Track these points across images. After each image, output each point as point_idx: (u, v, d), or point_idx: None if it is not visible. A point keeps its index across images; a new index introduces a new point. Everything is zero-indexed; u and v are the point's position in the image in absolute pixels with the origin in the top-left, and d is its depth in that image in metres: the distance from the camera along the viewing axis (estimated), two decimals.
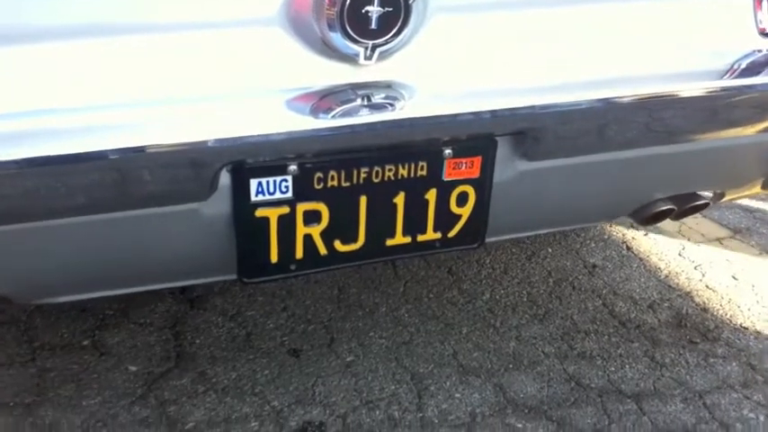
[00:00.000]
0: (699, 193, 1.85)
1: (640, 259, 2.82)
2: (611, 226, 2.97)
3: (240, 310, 2.44)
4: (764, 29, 1.67)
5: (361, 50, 1.38)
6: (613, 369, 2.29)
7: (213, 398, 2.10)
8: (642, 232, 2.96)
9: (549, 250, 2.83)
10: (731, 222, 3.09)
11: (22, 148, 1.23)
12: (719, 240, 2.98)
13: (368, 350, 2.31)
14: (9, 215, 1.30)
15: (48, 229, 1.35)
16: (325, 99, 1.42)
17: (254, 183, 1.43)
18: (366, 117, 1.41)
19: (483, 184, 1.57)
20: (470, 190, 1.58)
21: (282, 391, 2.14)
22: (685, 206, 1.84)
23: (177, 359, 2.24)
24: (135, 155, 1.28)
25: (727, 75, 1.62)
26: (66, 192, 1.29)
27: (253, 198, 1.44)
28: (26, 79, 1.28)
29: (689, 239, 2.96)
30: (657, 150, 1.64)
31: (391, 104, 1.44)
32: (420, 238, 1.61)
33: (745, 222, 3.10)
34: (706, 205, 1.87)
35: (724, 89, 1.59)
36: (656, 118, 1.58)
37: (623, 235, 2.95)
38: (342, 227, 1.54)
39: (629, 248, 2.88)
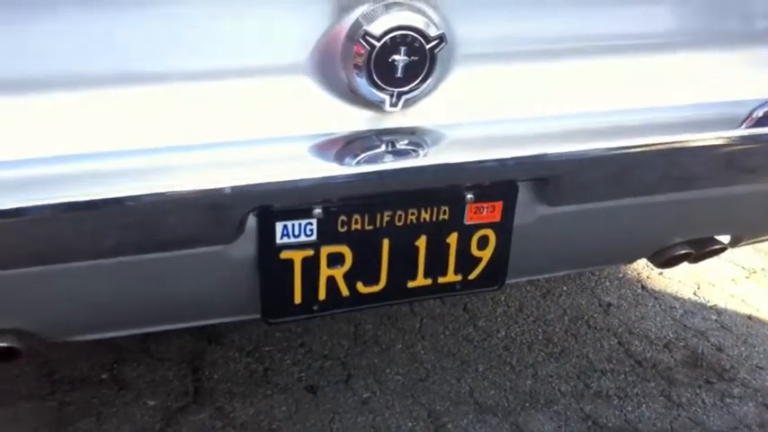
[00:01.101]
0: (716, 237, 1.86)
1: (655, 298, 2.83)
2: (625, 265, 2.97)
3: (257, 345, 2.46)
4: None
5: (386, 98, 1.41)
6: (630, 408, 2.30)
7: None
8: (657, 271, 2.96)
9: (564, 288, 2.84)
10: (746, 263, 3.10)
11: (57, 193, 1.26)
12: (734, 280, 2.99)
13: (384, 387, 2.32)
14: (42, 257, 1.33)
15: (76, 270, 1.37)
16: (350, 145, 1.44)
17: (279, 226, 1.45)
18: (390, 163, 1.43)
19: (503, 228, 1.59)
20: (491, 233, 1.59)
21: (300, 428, 2.15)
22: (703, 250, 1.85)
23: (195, 394, 2.25)
24: (167, 199, 1.30)
25: (745, 123, 1.63)
26: (95, 235, 1.31)
27: (278, 241, 1.46)
28: (63, 125, 1.30)
29: (704, 279, 2.97)
30: (676, 196, 1.66)
31: (415, 151, 1.47)
32: (441, 280, 1.62)
33: (761, 263, 3.11)
34: (723, 249, 1.89)
35: (741, 138, 1.61)
36: (675, 165, 1.60)
37: (638, 274, 2.96)
38: (364, 269, 1.55)
39: (643, 287, 2.89)
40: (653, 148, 1.54)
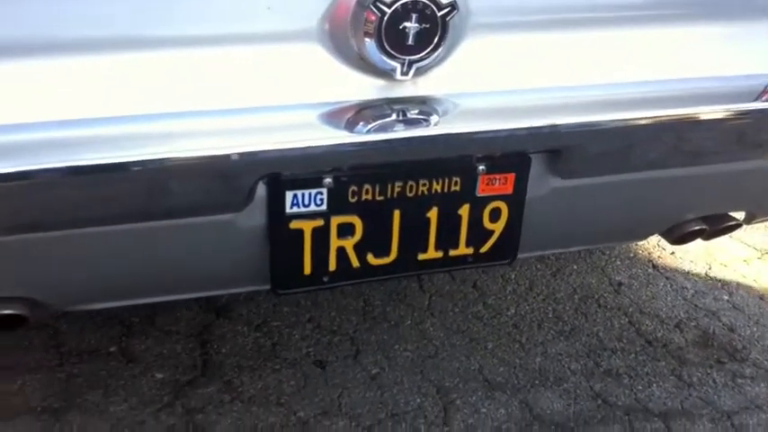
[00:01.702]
0: (731, 214, 1.84)
1: (666, 278, 2.81)
2: (636, 244, 2.95)
3: (266, 320, 2.45)
4: None
5: (397, 66, 1.39)
6: (640, 387, 2.28)
7: (239, 407, 2.11)
8: (668, 251, 2.94)
9: (575, 267, 2.82)
10: (758, 243, 3.07)
11: (63, 156, 1.25)
12: (746, 261, 2.96)
13: (393, 363, 2.32)
14: (47, 222, 1.32)
15: (84, 237, 1.37)
16: (360, 113, 1.43)
17: (289, 195, 1.43)
18: (401, 132, 1.42)
19: (516, 201, 1.58)
20: (503, 206, 1.58)
21: (308, 402, 2.15)
22: (717, 227, 1.84)
23: (203, 368, 2.25)
24: (175, 166, 1.29)
25: (760, 97, 1.61)
26: (105, 200, 1.31)
27: (288, 210, 1.45)
28: (73, 89, 1.29)
29: (716, 259, 2.94)
30: (690, 171, 1.64)
31: (426, 120, 1.45)
32: (452, 253, 1.61)
33: None
34: (738, 226, 1.87)
35: (757, 111, 1.59)
36: (689, 138, 1.58)
37: (649, 253, 2.94)
38: (375, 240, 1.54)
39: (655, 267, 2.87)
40: (667, 120, 1.52)
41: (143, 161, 1.28)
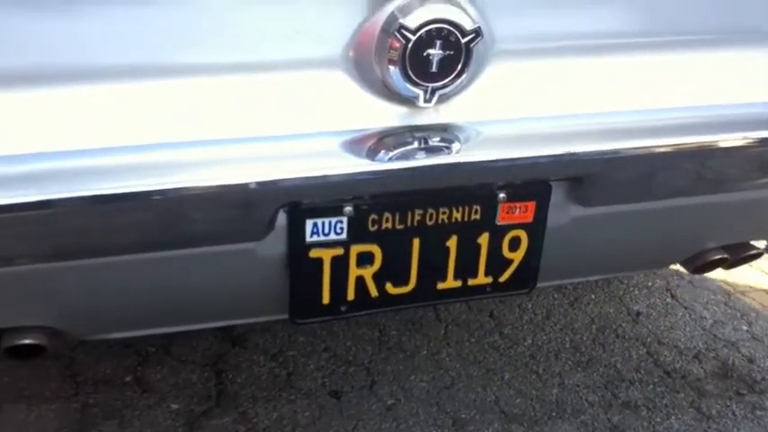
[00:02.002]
0: (752, 243, 1.83)
1: (685, 308, 2.78)
2: (655, 273, 2.93)
3: (281, 349, 2.44)
4: None
5: (420, 93, 1.39)
6: (659, 420, 2.26)
7: None
8: (687, 280, 2.92)
9: (593, 296, 2.80)
10: None
11: (84, 185, 1.25)
12: (766, 291, 2.94)
13: (409, 394, 2.30)
14: (67, 252, 1.32)
15: (104, 266, 1.36)
16: (382, 141, 1.42)
17: (309, 223, 1.43)
18: (423, 160, 1.41)
19: (536, 229, 1.56)
20: (523, 235, 1.57)
21: None
22: (738, 256, 1.82)
23: (218, 398, 2.24)
24: (196, 194, 1.29)
25: None
26: (125, 229, 1.30)
27: (308, 239, 1.44)
28: (97, 118, 1.29)
29: (735, 288, 2.92)
30: (711, 199, 1.63)
31: (448, 148, 1.44)
32: (471, 282, 1.60)
33: None
34: (759, 255, 1.85)
35: None
36: (710, 166, 1.57)
37: (667, 282, 2.92)
38: (394, 269, 1.53)
39: (673, 296, 2.84)
40: (689, 148, 1.52)
41: (163, 190, 1.27)
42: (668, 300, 2.82)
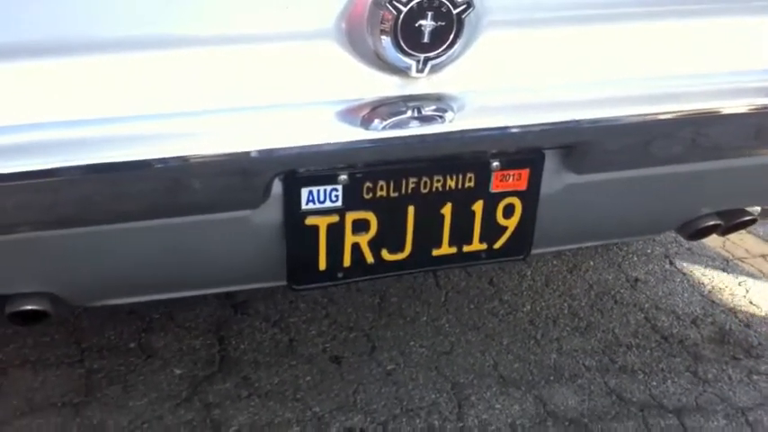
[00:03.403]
0: (746, 209, 1.84)
1: (683, 274, 2.80)
2: (653, 240, 2.95)
3: (283, 316, 2.47)
4: None
5: (413, 63, 1.40)
6: (655, 384, 2.29)
7: (256, 402, 2.13)
8: (685, 247, 2.94)
9: (591, 263, 2.83)
10: None
11: (84, 155, 1.27)
12: (764, 257, 2.96)
13: (408, 359, 2.33)
14: (67, 219, 1.34)
15: (104, 234, 1.39)
16: (376, 111, 1.44)
17: (305, 191, 1.45)
18: (416, 129, 1.42)
19: (530, 197, 1.58)
20: (517, 202, 1.59)
21: (324, 398, 2.17)
22: (732, 222, 1.84)
23: (221, 363, 2.27)
24: (193, 163, 1.31)
25: None
26: (123, 198, 1.33)
27: (303, 206, 1.46)
28: (96, 88, 1.31)
29: (733, 255, 2.94)
30: (705, 166, 1.64)
31: (441, 117, 1.46)
32: (466, 248, 1.62)
33: None
34: (753, 221, 1.87)
35: None
36: (704, 134, 1.58)
37: (666, 249, 2.94)
38: (389, 236, 1.56)
39: (671, 263, 2.86)
40: (681, 116, 1.53)
41: (161, 159, 1.30)
42: (667, 266, 2.85)
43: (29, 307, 1.49)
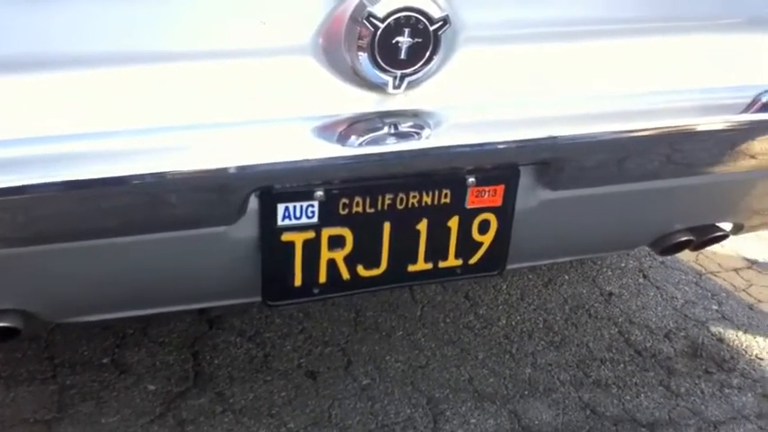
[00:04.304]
0: (718, 224, 1.86)
1: (657, 288, 2.83)
2: (627, 254, 2.97)
3: (258, 331, 2.46)
4: None
5: (390, 79, 1.41)
6: (629, 398, 2.30)
7: (230, 418, 2.12)
8: (659, 261, 2.96)
9: (566, 277, 2.84)
10: (748, 253, 3.10)
11: (59, 171, 1.26)
12: (736, 271, 2.99)
13: (384, 374, 2.33)
14: (41, 236, 1.33)
15: (78, 251, 1.38)
16: (352, 127, 1.44)
17: (281, 207, 1.45)
18: (392, 145, 1.43)
19: (505, 213, 1.59)
20: (492, 218, 1.59)
21: (299, 413, 2.16)
22: (704, 237, 1.86)
23: (195, 379, 2.26)
24: (168, 179, 1.30)
25: (748, 109, 1.63)
26: (97, 214, 1.32)
27: (279, 222, 1.46)
28: (70, 104, 1.31)
29: (706, 269, 2.97)
30: (678, 182, 1.66)
31: (417, 133, 1.47)
32: (441, 264, 1.62)
33: (763, 254, 3.11)
34: (725, 237, 1.89)
35: (744, 123, 1.61)
36: (677, 150, 1.60)
37: (640, 263, 2.96)
38: (365, 252, 1.56)
39: (645, 277, 2.89)
40: (654, 133, 1.54)
41: (136, 175, 1.29)
42: (640, 280, 2.87)
43: (0, 324, 1.48)
